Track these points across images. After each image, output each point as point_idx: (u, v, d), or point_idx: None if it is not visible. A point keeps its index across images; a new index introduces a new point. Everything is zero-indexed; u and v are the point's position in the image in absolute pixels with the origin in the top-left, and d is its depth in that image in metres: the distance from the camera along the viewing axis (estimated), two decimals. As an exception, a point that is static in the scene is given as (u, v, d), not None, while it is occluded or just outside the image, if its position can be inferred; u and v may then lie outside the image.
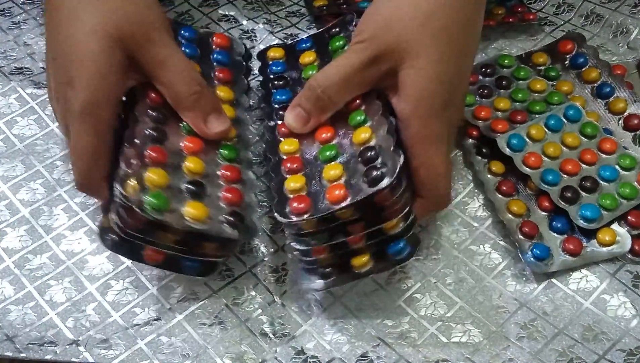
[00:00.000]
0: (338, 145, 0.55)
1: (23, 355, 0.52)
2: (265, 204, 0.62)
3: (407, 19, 0.53)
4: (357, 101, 0.56)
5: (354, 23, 0.63)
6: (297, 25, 0.78)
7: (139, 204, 0.49)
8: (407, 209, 0.52)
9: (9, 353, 0.52)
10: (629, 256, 0.58)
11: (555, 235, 0.58)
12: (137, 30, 0.52)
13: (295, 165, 0.55)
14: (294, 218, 0.51)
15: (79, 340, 0.53)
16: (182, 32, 0.63)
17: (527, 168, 0.60)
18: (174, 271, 0.55)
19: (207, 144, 0.56)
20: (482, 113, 0.65)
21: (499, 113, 0.65)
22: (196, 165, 0.53)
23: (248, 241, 0.53)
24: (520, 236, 0.58)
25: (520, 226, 0.59)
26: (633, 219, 0.58)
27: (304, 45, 0.65)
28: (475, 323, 0.54)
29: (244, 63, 0.65)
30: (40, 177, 0.63)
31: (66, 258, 0.58)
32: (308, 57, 0.63)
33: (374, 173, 0.51)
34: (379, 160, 0.52)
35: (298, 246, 0.53)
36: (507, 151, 0.61)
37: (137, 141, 0.53)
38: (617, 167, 0.60)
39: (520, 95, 0.66)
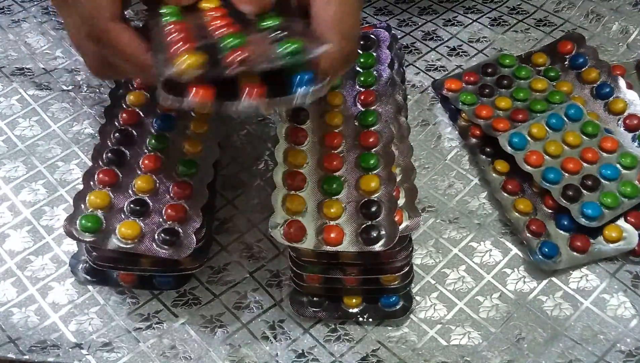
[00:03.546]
0: (343, 180, 0.55)
1: (26, 357, 0.52)
2: (266, 208, 0.61)
3: None
4: (372, 139, 0.57)
5: (387, 44, 0.63)
6: (297, 24, 0.77)
7: (68, 228, 0.52)
8: (406, 268, 0.53)
9: (11, 356, 0.52)
10: (630, 256, 0.58)
11: (562, 232, 0.58)
12: None
13: (298, 182, 0.54)
14: (287, 243, 0.52)
15: (81, 344, 0.53)
16: None
17: (529, 167, 0.60)
18: (149, 289, 0.57)
19: (167, 159, 0.57)
20: (484, 112, 0.65)
21: (500, 112, 0.65)
22: (145, 183, 0.55)
23: (183, 257, 0.53)
24: (528, 235, 0.58)
25: (527, 225, 0.59)
26: (632, 220, 0.58)
27: None
28: (475, 325, 0.54)
29: None
30: (41, 178, 0.64)
31: (67, 259, 0.58)
32: None
33: (372, 233, 0.51)
34: (379, 219, 0.52)
35: (293, 268, 0.54)
36: (509, 149, 0.61)
37: (98, 162, 0.57)
38: (618, 166, 0.60)
39: (521, 94, 0.66)
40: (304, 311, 0.55)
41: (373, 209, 0.52)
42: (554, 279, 0.57)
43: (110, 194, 0.54)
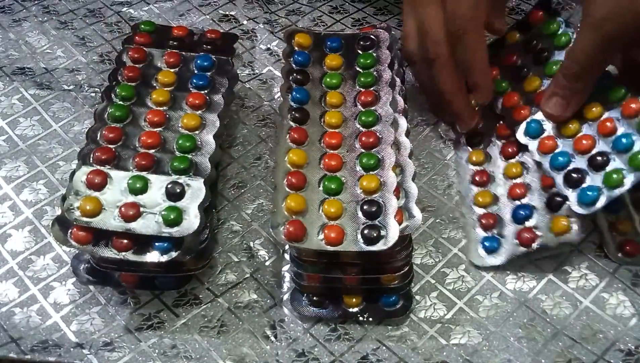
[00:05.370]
0: (343, 180, 0.55)
1: (28, 357, 0.52)
2: (267, 208, 0.62)
3: None
4: (372, 140, 0.56)
5: (387, 44, 0.63)
6: (297, 25, 0.78)
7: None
8: (406, 268, 0.53)
9: (13, 355, 0.52)
10: (619, 255, 0.58)
11: (515, 225, 0.58)
12: None
13: (298, 182, 0.54)
14: (287, 243, 0.51)
15: (83, 343, 0.53)
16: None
17: (541, 154, 0.58)
18: (150, 289, 0.57)
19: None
20: (509, 102, 0.63)
21: (526, 96, 0.62)
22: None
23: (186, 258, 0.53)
24: (478, 229, 0.59)
25: (479, 218, 0.59)
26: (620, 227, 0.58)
27: (333, 44, 0.64)
28: (475, 324, 0.55)
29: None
30: (43, 177, 0.64)
31: (69, 259, 0.58)
32: (334, 60, 0.63)
33: (372, 233, 0.51)
34: (380, 219, 0.52)
35: (294, 267, 0.54)
36: (524, 139, 0.60)
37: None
38: (634, 133, 0.55)
39: (554, 68, 0.62)
40: (305, 311, 0.55)
41: (373, 209, 0.52)
42: (553, 278, 0.57)
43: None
